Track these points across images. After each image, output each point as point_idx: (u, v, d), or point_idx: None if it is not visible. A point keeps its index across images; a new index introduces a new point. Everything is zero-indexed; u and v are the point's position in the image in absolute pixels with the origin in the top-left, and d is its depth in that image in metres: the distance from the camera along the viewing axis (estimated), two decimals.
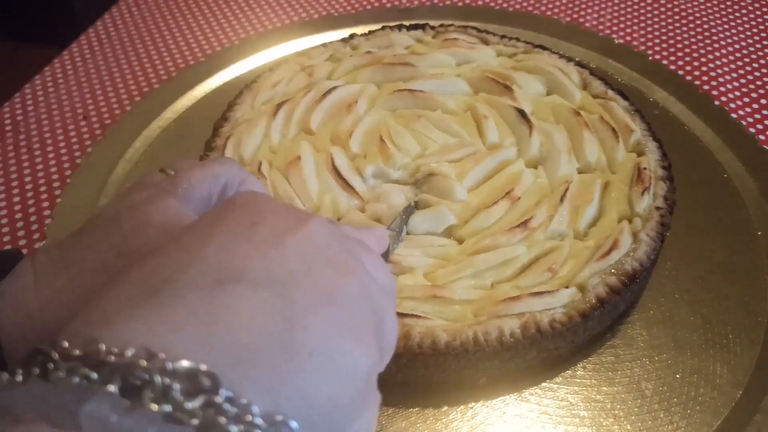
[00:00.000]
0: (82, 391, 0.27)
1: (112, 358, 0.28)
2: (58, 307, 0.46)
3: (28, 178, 0.85)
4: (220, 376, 0.28)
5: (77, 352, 0.29)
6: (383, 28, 0.91)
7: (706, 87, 0.92)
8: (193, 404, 0.27)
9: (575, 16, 1.07)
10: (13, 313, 0.46)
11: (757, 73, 0.94)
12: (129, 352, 0.28)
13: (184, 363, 0.28)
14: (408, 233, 0.65)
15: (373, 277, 0.40)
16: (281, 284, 0.34)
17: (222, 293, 0.32)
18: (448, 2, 1.10)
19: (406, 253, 0.62)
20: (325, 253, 0.37)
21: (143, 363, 0.28)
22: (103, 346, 0.28)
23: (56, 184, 0.84)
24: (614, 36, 1.02)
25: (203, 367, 0.28)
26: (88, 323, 0.32)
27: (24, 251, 0.76)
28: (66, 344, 0.29)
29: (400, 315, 0.57)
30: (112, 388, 0.27)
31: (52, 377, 0.28)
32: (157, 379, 0.27)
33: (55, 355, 0.29)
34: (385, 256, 0.52)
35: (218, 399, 0.28)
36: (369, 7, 1.12)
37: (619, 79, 0.90)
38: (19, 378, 0.28)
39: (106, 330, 0.30)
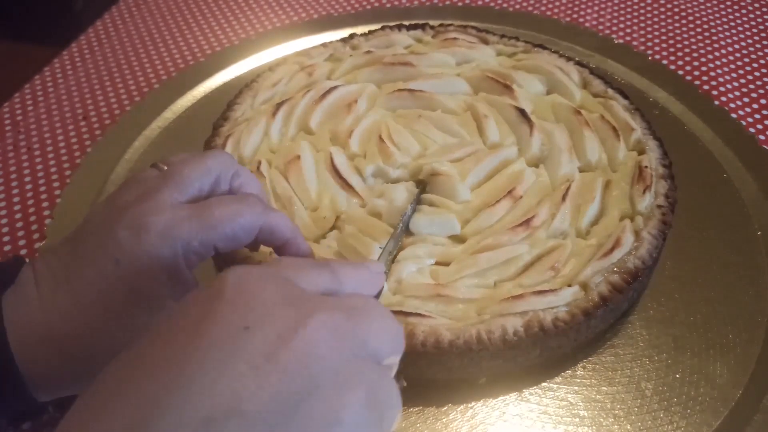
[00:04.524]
0: None
1: None
2: (61, 321, 0.46)
3: (27, 178, 0.85)
4: None
5: None
6: (383, 27, 0.91)
7: (706, 87, 0.92)
8: None
9: (575, 16, 1.07)
10: (20, 330, 0.45)
11: (757, 73, 0.95)
12: None
13: None
14: (411, 233, 0.64)
15: (378, 355, 0.36)
16: (280, 413, 0.30)
17: None
18: (447, 2, 1.10)
19: (409, 252, 0.62)
20: (328, 366, 0.32)
21: None
22: None
23: (56, 184, 0.84)
24: (614, 36, 1.02)
25: None
26: None
27: (23, 251, 0.76)
28: None
29: (404, 314, 0.57)
30: None
31: None
32: None
33: None
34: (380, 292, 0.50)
35: None
36: (369, 7, 1.12)
37: (619, 79, 0.90)
38: None
39: None
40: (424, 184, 0.69)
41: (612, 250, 0.61)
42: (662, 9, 1.08)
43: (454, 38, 0.87)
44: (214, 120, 0.79)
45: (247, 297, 0.33)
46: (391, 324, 0.39)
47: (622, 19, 1.06)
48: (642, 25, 1.04)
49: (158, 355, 0.31)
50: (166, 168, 0.53)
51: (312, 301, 0.35)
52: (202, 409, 0.28)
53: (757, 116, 0.87)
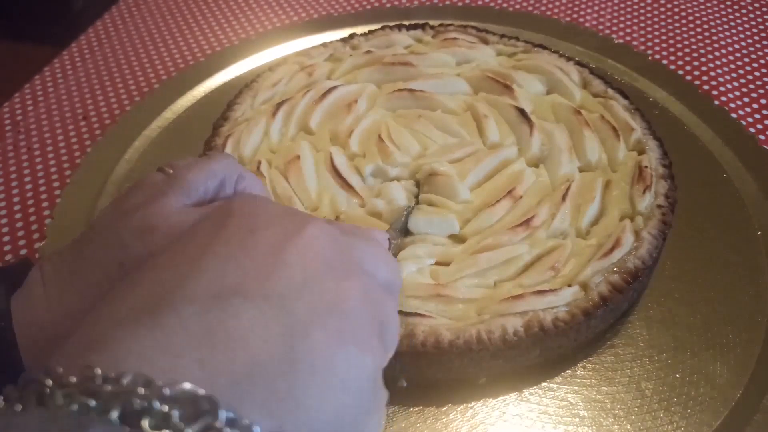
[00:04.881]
0: (82, 419, 0.27)
1: (109, 387, 0.27)
2: (67, 321, 0.46)
3: (27, 178, 0.85)
4: (219, 399, 0.28)
5: (73, 379, 0.28)
6: (383, 27, 0.91)
7: (706, 87, 0.92)
8: (193, 429, 0.27)
9: (575, 15, 1.07)
10: (27, 329, 0.45)
11: (757, 73, 0.94)
12: (126, 379, 0.27)
13: (184, 386, 0.28)
14: (410, 233, 0.65)
15: (374, 275, 0.40)
16: (280, 296, 0.33)
17: (219, 309, 0.31)
18: (447, 2, 1.10)
19: (409, 252, 0.62)
20: (324, 259, 0.36)
21: (141, 390, 0.27)
22: (98, 371, 0.28)
23: (56, 184, 0.84)
24: (614, 36, 1.02)
25: (201, 391, 0.28)
26: (82, 345, 0.31)
27: (23, 251, 0.76)
28: (60, 370, 0.28)
29: (404, 314, 0.57)
30: (113, 415, 0.27)
31: (50, 405, 0.27)
32: (156, 405, 0.27)
33: (50, 382, 0.28)
34: None
35: (218, 423, 0.27)
36: (369, 7, 1.12)
37: (619, 79, 0.90)
38: (18, 407, 0.28)
39: (102, 354, 0.29)
40: (423, 184, 0.69)
41: (612, 250, 0.61)
42: (662, 9, 1.08)
43: (454, 38, 0.87)
44: (214, 120, 0.79)
45: (252, 211, 0.39)
46: (386, 253, 0.44)
47: (622, 19, 1.06)
48: (642, 25, 1.04)
49: (175, 254, 0.36)
50: (171, 172, 0.53)
51: (311, 216, 0.40)
52: (210, 289, 0.32)
53: (757, 116, 0.87)
